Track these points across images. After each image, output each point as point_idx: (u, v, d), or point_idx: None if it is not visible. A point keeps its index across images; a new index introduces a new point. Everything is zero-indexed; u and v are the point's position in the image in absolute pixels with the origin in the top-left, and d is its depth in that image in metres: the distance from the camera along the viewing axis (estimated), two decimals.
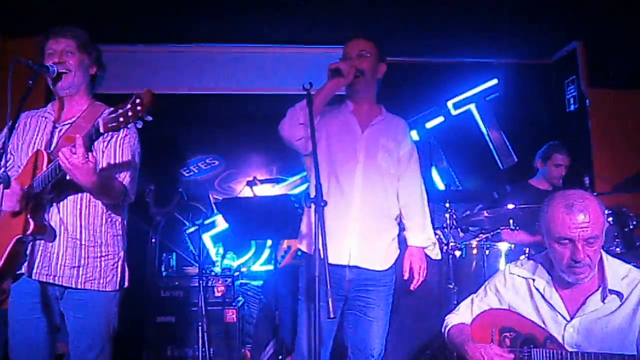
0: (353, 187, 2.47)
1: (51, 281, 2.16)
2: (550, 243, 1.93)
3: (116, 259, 2.28)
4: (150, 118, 1.83)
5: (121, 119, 1.84)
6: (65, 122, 2.28)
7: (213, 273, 4.11)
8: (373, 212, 2.48)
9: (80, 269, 2.18)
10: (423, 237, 2.63)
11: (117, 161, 2.26)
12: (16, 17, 4.23)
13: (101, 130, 1.90)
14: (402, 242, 2.65)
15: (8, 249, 2.09)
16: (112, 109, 1.90)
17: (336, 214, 2.42)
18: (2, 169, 2.17)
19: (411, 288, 2.56)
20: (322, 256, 1.96)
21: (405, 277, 2.58)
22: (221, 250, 4.40)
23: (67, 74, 2.23)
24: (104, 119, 1.89)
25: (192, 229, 4.33)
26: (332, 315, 1.91)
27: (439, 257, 2.73)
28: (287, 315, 3.57)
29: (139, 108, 1.81)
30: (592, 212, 1.87)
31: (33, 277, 2.15)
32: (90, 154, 1.98)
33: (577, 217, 1.86)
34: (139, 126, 1.85)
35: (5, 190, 2.00)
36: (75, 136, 1.96)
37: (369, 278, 2.46)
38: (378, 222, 2.50)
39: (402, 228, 2.65)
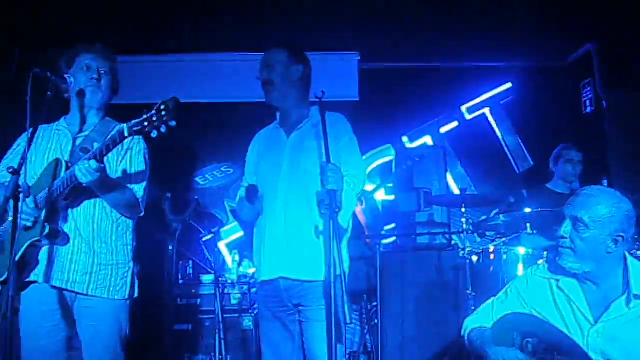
0: (277, 197, 2.37)
1: (64, 286, 2.18)
2: None
3: (126, 269, 2.32)
4: (174, 124, 1.91)
5: (146, 124, 1.92)
6: (80, 135, 2.34)
7: (229, 280, 4.11)
8: (299, 221, 2.31)
9: (92, 275, 2.22)
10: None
11: (131, 171, 2.33)
12: (33, 31, 4.31)
13: (126, 134, 1.97)
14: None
15: (21, 251, 2.12)
16: (137, 116, 1.96)
17: (266, 227, 2.37)
18: (23, 179, 2.21)
19: None
20: (336, 267, 1.94)
21: None
22: (237, 258, 4.41)
23: (97, 92, 2.31)
24: (129, 124, 1.96)
25: (209, 237, 4.35)
26: (348, 321, 1.90)
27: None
28: None
29: (164, 114, 1.89)
30: (595, 203, 1.86)
31: (46, 282, 2.17)
32: (102, 166, 2.05)
33: (578, 198, 1.89)
34: (163, 131, 1.92)
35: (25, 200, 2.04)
36: (88, 149, 2.07)
37: (304, 289, 2.29)
38: (305, 230, 2.30)
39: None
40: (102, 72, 2.32)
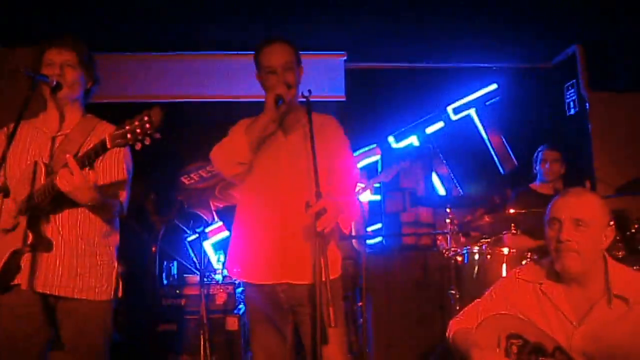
0: (277, 197, 2.28)
1: (47, 292, 2.14)
2: (545, 232, 1.95)
3: (110, 269, 2.28)
4: (158, 135, 1.82)
5: (129, 136, 1.82)
6: (60, 134, 2.27)
7: (214, 281, 4.09)
8: (299, 221, 2.22)
9: (77, 278, 2.17)
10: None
11: (113, 177, 2.27)
12: (17, 28, 4.24)
13: (108, 146, 1.89)
14: None
15: (3, 261, 2.08)
16: (119, 126, 1.87)
17: (261, 228, 2.28)
18: (2, 179, 2.17)
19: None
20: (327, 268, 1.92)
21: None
22: (222, 258, 4.39)
23: (64, 87, 2.21)
24: (111, 135, 1.87)
25: (193, 237, 4.32)
26: (332, 324, 1.88)
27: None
28: None
29: (147, 126, 1.80)
30: (586, 201, 1.90)
31: (29, 288, 2.11)
32: (90, 171, 1.98)
33: (568, 199, 1.92)
34: (147, 143, 1.83)
35: (5, 200, 2.00)
36: (66, 156, 1.96)
37: (304, 290, 2.24)
38: (306, 230, 2.20)
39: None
40: (68, 65, 2.21)
